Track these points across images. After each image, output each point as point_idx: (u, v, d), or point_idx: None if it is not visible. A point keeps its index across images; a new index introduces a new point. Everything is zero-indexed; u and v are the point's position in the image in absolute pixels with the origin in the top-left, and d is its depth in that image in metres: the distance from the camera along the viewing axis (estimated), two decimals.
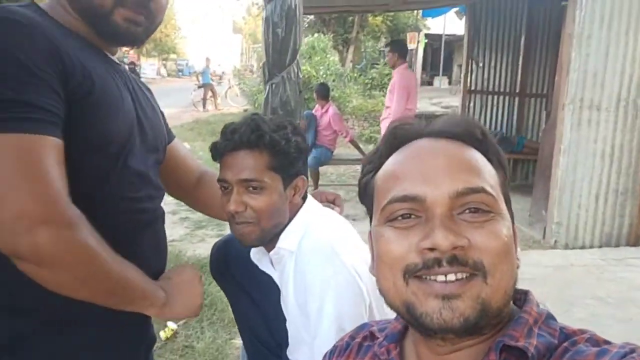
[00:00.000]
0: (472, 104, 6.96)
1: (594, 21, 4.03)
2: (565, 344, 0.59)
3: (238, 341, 2.63)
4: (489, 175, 0.64)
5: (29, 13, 0.87)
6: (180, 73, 41.93)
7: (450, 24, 17.12)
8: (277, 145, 1.18)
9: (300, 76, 3.24)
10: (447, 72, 23.11)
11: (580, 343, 0.59)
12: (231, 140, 1.19)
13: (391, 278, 0.62)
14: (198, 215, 4.63)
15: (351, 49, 17.72)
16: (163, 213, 1.12)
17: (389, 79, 11.96)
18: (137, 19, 0.96)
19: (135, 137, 0.99)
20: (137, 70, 11.83)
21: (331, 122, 5.91)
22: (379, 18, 17.88)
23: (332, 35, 16.72)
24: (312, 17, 15.74)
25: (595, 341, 0.59)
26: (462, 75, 7.17)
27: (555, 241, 4.27)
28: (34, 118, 0.78)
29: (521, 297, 0.68)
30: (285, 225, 1.26)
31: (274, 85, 3.12)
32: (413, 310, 0.60)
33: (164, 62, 46.29)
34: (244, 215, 1.19)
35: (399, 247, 0.61)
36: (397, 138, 0.69)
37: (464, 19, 7.61)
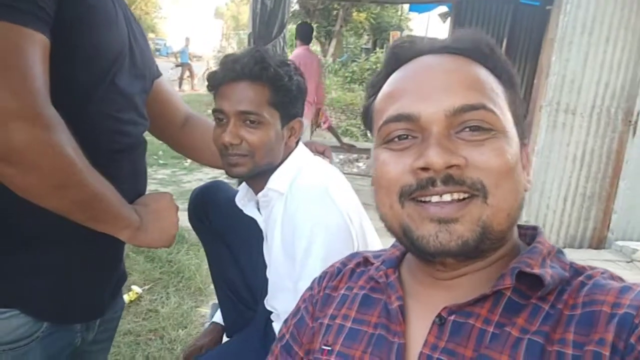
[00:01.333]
0: None
1: (576, 27, 4.11)
2: (580, 278, 0.57)
3: (204, 309, 2.59)
4: (492, 92, 0.59)
5: None
6: (157, 52, 41.12)
7: (433, 26, 17.28)
8: (280, 80, 1.14)
9: (286, 51, 3.20)
10: None
11: (597, 277, 0.57)
12: (232, 70, 1.14)
13: (388, 201, 0.60)
14: None
15: (333, 42, 17.68)
16: (145, 143, 1.07)
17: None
18: None
19: (125, 57, 0.94)
20: None
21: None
22: (363, 14, 17.89)
23: (315, 26, 16.66)
24: (296, 6, 15.62)
25: (611, 276, 0.57)
26: None
27: None
28: (24, 9, 0.73)
29: (528, 233, 0.66)
30: (277, 167, 1.22)
31: None
32: (409, 233, 0.58)
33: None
34: (238, 147, 1.15)
35: (394, 169, 0.59)
36: (398, 57, 0.65)
37: (447, 21, 7.68)
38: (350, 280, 0.74)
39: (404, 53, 0.64)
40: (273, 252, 1.22)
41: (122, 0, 1.01)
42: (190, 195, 1.56)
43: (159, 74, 1.22)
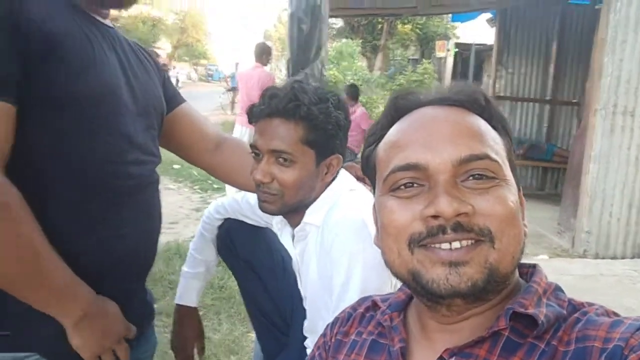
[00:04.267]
0: (501, 110, 6.86)
1: (628, 25, 3.92)
2: (576, 315, 0.59)
3: (254, 334, 2.61)
4: (493, 142, 0.63)
5: None
6: (210, 78, 42.48)
7: (481, 33, 16.96)
8: (314, 119, 1.12)
9: (325, 74, 3.22)
10: (477, 81, 22.85)
11: (591, 313, 0.58)
12: (267, 105, 1.13)
13: (396, 248, 0.61)
14: None
15: (379, 56, 17.69)
16: (156, 179, 1.09)
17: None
18: None
19: (120, 98, 0.97)
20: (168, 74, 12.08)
21: (360, 123, 5.98)
22: (408, 26, 17.81)
23: (360, 41, 16.73)
24: (340, 23, 15.78)
25: (605, 312, 0.59)
26: (491, 81, 7.08)
27: (585, 250, 4.14)
28: None
29: (529, 271, 0.67)
30: (313, 201, 1.20)
31: None
32: (419, 278, 0.60)
33: (194, 67, 47.02)
34: (269, 185, 1.14)
35: (403, 217, 0.60)
36: (399, 108, 0.68)
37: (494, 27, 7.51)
38: (360, 325, 0.75)
39: (404, 104, 0.67)
40: (309, 285, 1.22)
41: (114, 36, 1.04)
42: (218, 228, 1.57)
43: (181, 101, 1.24)
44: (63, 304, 0.87)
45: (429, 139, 0.61)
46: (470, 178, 0.59)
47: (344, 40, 15.40)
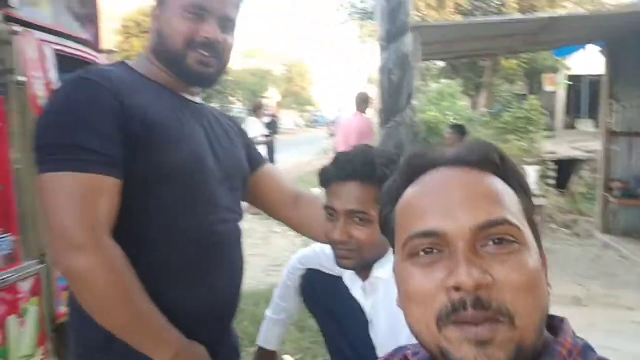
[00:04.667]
0: (617, 147, 6.37)
1: None
2: None
3: None
4: (510, 204, 0.62)
5: (112, 71, 1.08)
6: (315, 123, 44.11)
7: (595, 63, 15.99)
8: (387, 180, 1.20)
9: (415, 120, 3.29)
10: (593, 114, 21.36)
11: None
12: (343, 170, 1.22)
13: (424, 321, 0.61)
14: None
15: (483, 94, 17.28)
16: (238, 234, 1.22)
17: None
18: (208, 61, 1.12)
19: (207, 166, 1.12)
20: (276, 122, 12.82)
21: None
22: (514, 61, 17.28)
23: (462, 80, 16.50)
24: (441, 63, 15.73)
25: None
26: (602, 116, 6.64)
27: None
28: (87, 160, 0.95)
29: (556, 325, 0.65)
30: (382, 256, 1.27)
31: (389, 129, 3.21)
32: (448, 355, 0.60)
33: (301, 113, 49.10)
34: (347, 244, 1.22)
35: (426, 286, 0.61)
36: (413, 168, 0.69)
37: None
38: None
39: (418, 164, 0.68)
40: (380, 335, 1.27)
41: (201, 111, 1.21)
42: (300, 279, 1.69)
43: (262, 163, 1.40)
44: (157, 346, 1.00)
45: (447, 204, 0.61)
46: (491, 243, 0.59)
47: (445, 80, 15.29)
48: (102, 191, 0.97)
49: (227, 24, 1.14)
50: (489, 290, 0.57)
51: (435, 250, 0.61)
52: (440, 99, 13.24)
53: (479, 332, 0.57)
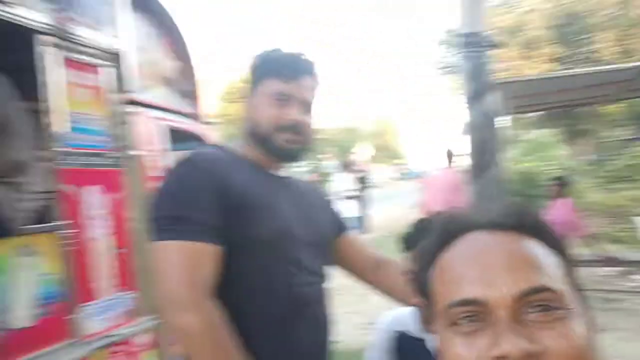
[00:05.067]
0: None
1: None
2: None
3: None
4: (551, 269, 0.60)
5: (213, 154, 1.27)
6: (405, 176, 43.95)
7: None
8: None
9: (506, 174, 3.26)
10: None
11: None
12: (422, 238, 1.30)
13: None
14: None
15: (583, 141, 16.39)
16: (322, 294, 1.32)
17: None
18: (295, 139, 1.28)
19: (293, 234, 1.24)
20: (366, 177, 12.97)
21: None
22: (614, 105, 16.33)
23: (561, 128, 15.82)
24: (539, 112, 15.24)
25: None
26: None
27: None
28: (192, 230, 1.11)
29: None
30: None
31: (478, 186, 3.20)
32: None
33: (391, 167, 49.25)
34: None
35: (468, 356, 0.59)
36: (448, 232, 0.67)
37: None
38: None
39: (454, 228, 0.67)
40: None
41: (288, 184, 1.36)
42: (386, 341, 1.71)
43: (345, 230, 1.51)
44: None
45: (485, 272, 0.60)
46: (534, 310, 0.57)
47: (541, 130, 14.74)
48: (204, 257, 1.12)
49: (306, 106, 1.31)
50: (538, 358, 0.55)
51: (476, 318, 0.59)
52: (536, 149, 12.74)
53: None
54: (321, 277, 1.34)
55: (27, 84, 2.40)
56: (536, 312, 0.57)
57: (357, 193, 7.60)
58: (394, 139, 54.12)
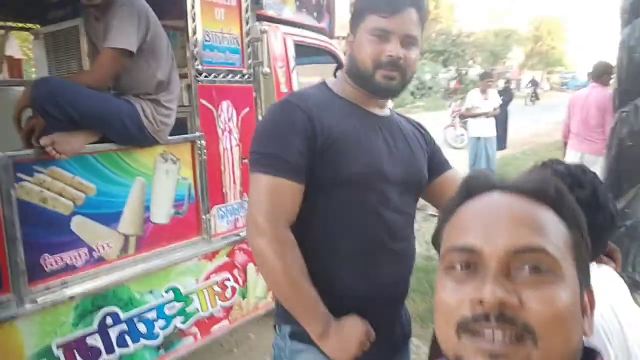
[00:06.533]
0: None
1: None
2: None
3: None
4: (555, 236, 0.61)
5: (310, 94, 1.32)
6: (564, 87, 39.65)
7: None
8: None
9: None
10: None
11: None
12: None
13: (446, 329, 0.63)
14: None
15: None
16: (408, 229, 1.37)
17: None
18: (392, 75, 1.27)
19: (383, 172, 1.28)
20: (511, 90, 11.91)
21: None
22: None
23: None
24: None
25: None
26: None
27: None
28: (280, 167, 1.20)
29: (590, 354, 0.63)
30: None
31: (624, 114, 2.87)
32: None
33: (548, 75, 44.74)
34: None
35: (453, 299, 0.62)
36: (470, 188, 0.69)
37: None
38: None
39: (476, 185, 0.69)
40: None
41: (385, 124, 1.36)
42: None
43: (448, 168, 1.50)
44: (310, 321, 1.22)
45: (488, 224, 0.62)
46: (526, 269, 0.59)
47: None
48: (287, 192, 1.22)
49: (408, 41, 1.28)
50: (515, 310, 0.57)
51: (471, 267, 0.62)
52: None
53: (496, 347, 0.57)
54: (407, 214, 1.38)
55: (167, 5, 2.62)
56: (528, 272, 0.59)
57: (493, 111, 7.02)
58: (556, 44, 48.48)
